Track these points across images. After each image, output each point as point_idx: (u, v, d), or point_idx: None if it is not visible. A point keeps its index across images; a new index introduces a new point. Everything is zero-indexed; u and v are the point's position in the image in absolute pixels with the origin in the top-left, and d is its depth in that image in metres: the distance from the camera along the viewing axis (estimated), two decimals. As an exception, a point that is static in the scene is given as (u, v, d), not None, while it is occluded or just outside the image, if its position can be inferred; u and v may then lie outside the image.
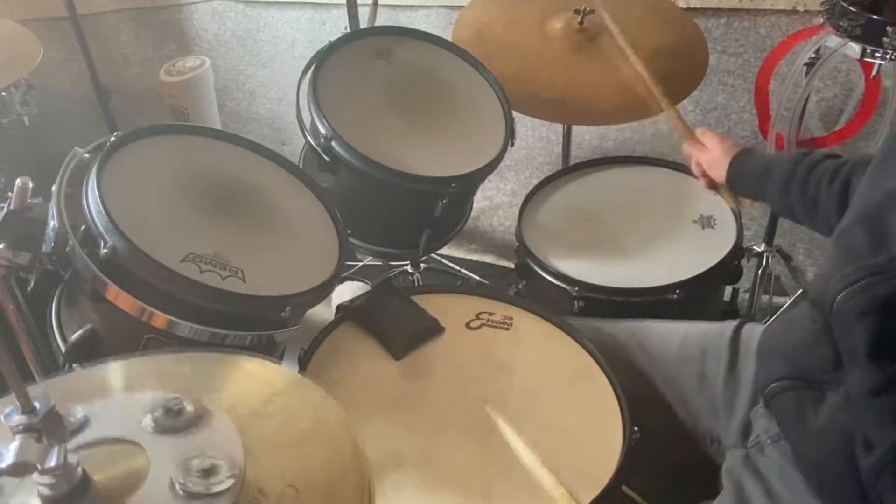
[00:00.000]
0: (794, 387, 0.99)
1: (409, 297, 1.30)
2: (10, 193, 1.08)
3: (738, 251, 1.49)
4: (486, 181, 1.53)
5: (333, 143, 1.33)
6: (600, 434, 1.07)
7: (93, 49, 2.22)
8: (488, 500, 0.99)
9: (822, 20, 1.45)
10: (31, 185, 1.09)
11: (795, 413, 0.98)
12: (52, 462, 0.60)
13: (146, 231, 1.07)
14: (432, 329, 1.25)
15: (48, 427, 0.62)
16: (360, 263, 2.14)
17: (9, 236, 1.04)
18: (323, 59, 1.43)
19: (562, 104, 1.57)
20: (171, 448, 0.67)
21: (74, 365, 1.12)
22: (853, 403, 0.90)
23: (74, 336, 1.11)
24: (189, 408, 0.71)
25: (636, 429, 1.06)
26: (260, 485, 0.65)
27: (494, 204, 2.36)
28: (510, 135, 1.48)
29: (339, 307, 1.28)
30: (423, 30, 1.59)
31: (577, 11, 1.63)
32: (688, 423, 1.19)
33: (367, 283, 1.93)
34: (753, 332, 1.18)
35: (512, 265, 1.62)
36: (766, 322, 1.89)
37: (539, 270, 1.49)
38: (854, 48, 1.40)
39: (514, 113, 1.52)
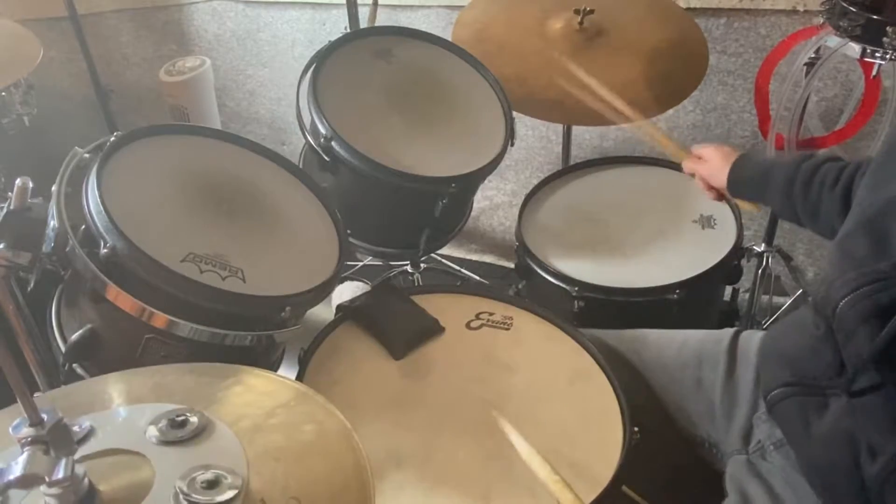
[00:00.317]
0: (797, 393, 0.98)
1: (409, 297, 1.30)
2: (10, 193, 1.08)
3: (738, 251, 1.49)
4: (486, 181, 1.54)
5: (333, 143, 1.33)
6: (600, 434, 1.07)
7: (93, 49, 2.22)
8: (488, 500, 0.99)
9: (822, 20, 1.45)
10: (31, 185, 1.08)
11: (799, 419, 0.98)
12: (59, 474, 0.61)
13: (146, 231, 1.07)
14: (432, 329, 1.25)
15: (56, 439, 0.62)
16: (360, 263, 2.14)
17: (9, 236, 1.04)
18: (323, 59, 1.43)
19: (562, 104, 1.57)
20: (175, 459, 0.68)
21: (74, 365, 1.13)
22: (856, 410, 0.90)
23: (74, 336, 1.11)
24: (193, 419, 0.71)
25: (636, 429, 1.06)
26: (263, 496, 0.65)
27: (494, 204, 2.36)
28: (510, 135, 1.48)
29: (339, 307, 1.28)
30: (423, 30, 1.59)
31: (577, 11, 1.63)
32: (686, 429, 1.19)
33: (367, 283, 1.93)
34: (751, 339, 1.17)
35: (512, 265, 1.62)
36: (766, 323, 1.90)
37: (539, 270, 1.49)
38: (854, 48, 1.40)
39: (514, 113, 1.52)
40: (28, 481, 0.60)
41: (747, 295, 1.89)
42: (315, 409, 0.77)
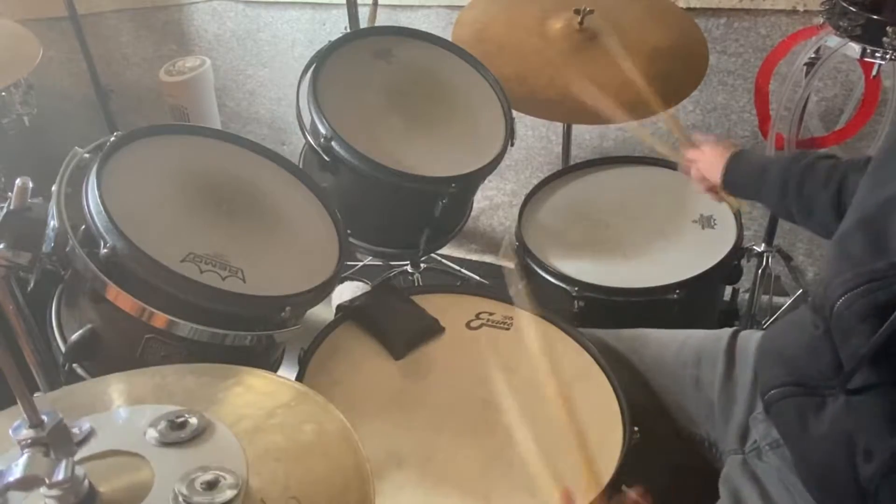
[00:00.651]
0: (794, 393, 0.98)
1: (409, 297, 1.30)
2: (10, 193, 1.08)
3: (738, 251, 1.49)
4: (486, 181, 1.54)
5: (333, 143, 1.33)
6: (600, 434, 1.07)
7: (93, 49, 2.22)
8: (488, 500, 0.99)
9: (822, 20, 1.45)
10: (31, 185, 1.08)
11: (796, 420, 0.98)
12: (59, 476, 0.61)
13: (146, 231, 1.07)
14: (432, 329, 1.25)
15: (56, 441, 0.62)
16: (360, 263, 2.14)
17: (9, 236, 1.04)
18: (323, 59, 1.43)
19: (561, 104, 1.57)
20: (175, 461, 0.68)
21: (74, 365, 1.13)
22: (853, 410, 0.90)
23: (74, 336, 1.11)
24: (192, 421, 0.71)
25: (636, 429, 1.06)
26: (263, 496, 0.65)
27: (494, 204, 2.36)
28: (510, 135, 1.48)
29: (339, 307, 1.28)
30: (423, 30, 1.59)
31: (577, 11, 1.63)
32: (686, 428, 1.19)
33: (367, 283, 1.93)
34: (750, 339, 1.17)
35: (512, 265, 1.62)
36: (766, 323, 1.90)
37: (539, 270, 1.49)
38: (854, 48, 1.40)
39: (514, 112, 1.52)
40: (28, 483, 0.60)
41: (747, 295, 1.89)
42: (315, 410, 0.77)
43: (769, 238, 1.84)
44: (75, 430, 0.69)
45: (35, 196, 1.09)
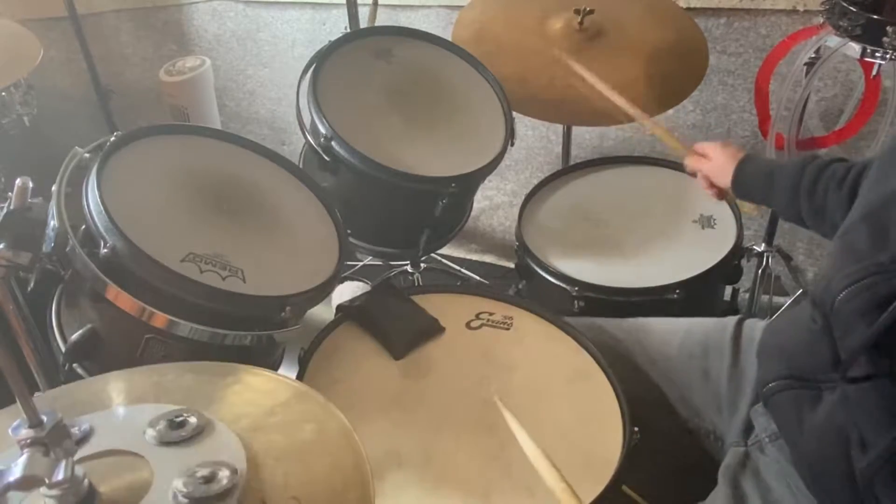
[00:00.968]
0: (791, 386, 0.99)
1: (409, 297, 1.30)
2: (10, 193, 1.08)
3: (738, 251, 1.49)
4: (486, 181, 1.54)
5: (333, 143, 1.33)
6: (600, 434, 1.07)
7: (93, 49, 2.23)
8: (488, 500, 0.99)
9: (822, 20, 1.45)
10: (31, 185, 1.08)
11: (793, 412, 0.98)
12: (59, 476, 0.60)
13: (146, 231, 1.07)
14: (432, 329, 1.25)
15: (55, 441, 0.62)
16: (360, 263, 2.14)
17: (9, 236, 1.04)
18: (323, 59, 1.43)
19: (562, 104, 1.57)
20: (174, 460, 0.67)
21: (74, 365, 1.12)
22: (849, 404, 0.90)
23: (74, 336, 1.11)
24: (192, 419, 0.71)
25: (636, 429, 1.06)
26: (263, 496, 0.65)
27: (494, 204, 2.36)
28: (510, 135, 1.48)
29: (339, 307, 1.28)
30: (423, 30, 1.59)
31: (577, 11, 1.63)
32: (690, 420, 1.19)
33: (367, 283, 1.93)
34: (755, 328, 1.18)
35: (512, 265, 1.62)
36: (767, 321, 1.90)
37: (539, 270, 1.49)
38: (854, 48, 1.40)
39: (514, 113, 1.52)
40: (28, 483, 0.60)
41: (747, 295, 1.89)
42: (315, 409, 0.77)
43: (769, 238, 1.84)
44: (74, 430, 0.69)
45: (35, 196, 1.09)
